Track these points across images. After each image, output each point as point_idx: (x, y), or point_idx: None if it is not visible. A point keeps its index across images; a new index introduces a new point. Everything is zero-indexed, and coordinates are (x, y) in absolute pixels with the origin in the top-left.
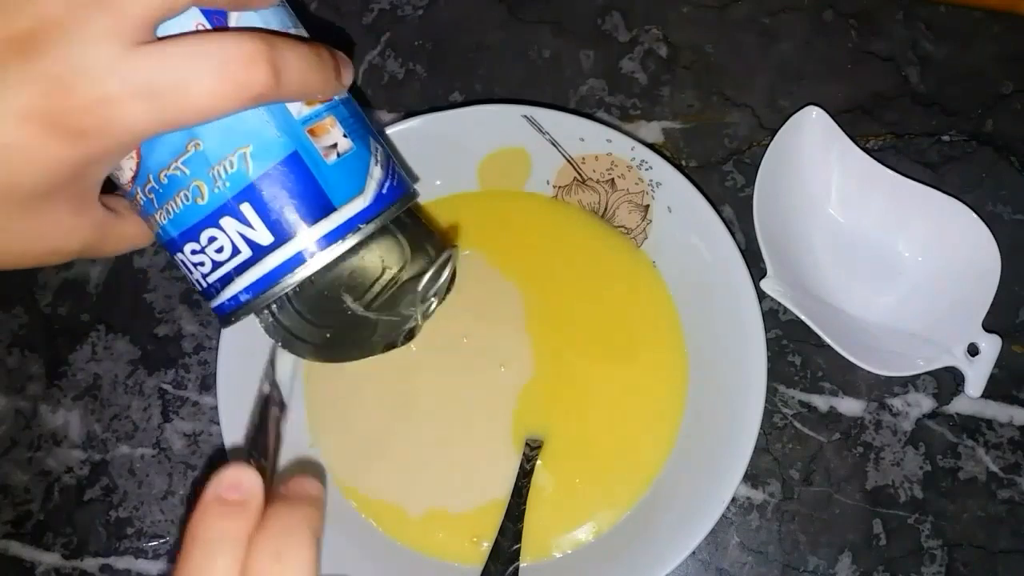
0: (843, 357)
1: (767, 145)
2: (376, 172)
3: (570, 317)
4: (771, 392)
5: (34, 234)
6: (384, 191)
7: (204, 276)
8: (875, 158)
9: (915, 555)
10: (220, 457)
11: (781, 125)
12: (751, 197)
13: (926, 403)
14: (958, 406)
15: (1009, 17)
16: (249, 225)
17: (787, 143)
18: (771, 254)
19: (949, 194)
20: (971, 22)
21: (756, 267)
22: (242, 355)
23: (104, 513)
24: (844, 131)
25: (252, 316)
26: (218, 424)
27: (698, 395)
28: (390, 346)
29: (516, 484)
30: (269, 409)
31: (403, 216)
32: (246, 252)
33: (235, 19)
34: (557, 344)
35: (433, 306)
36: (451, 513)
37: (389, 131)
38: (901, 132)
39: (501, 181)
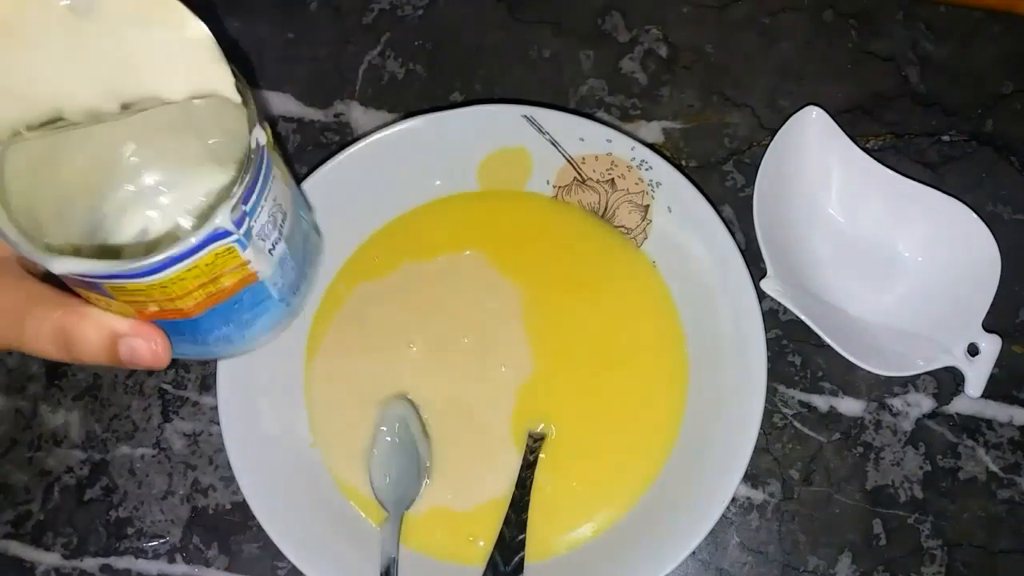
0: (843, 357)
1: (767, 145)
2: None
3: (570, 317)
4: (771, 392)
5: None
6: None
7: None
8: (875, 158)
9: (915, 555)
10: (220, 457)
11: (781, 125)
12: (751, 197)
13: (926, 403)
14: (958, 406)
15: (1009, 17)
16: None
17: (787, 143)
18: (771, 254)
19: (949, 194)
20: (971, 22)
21: (756, 267)
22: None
23: (104, 513)
24: (844, 131)
25: None
26: (218, 424)
27: (698, 395)
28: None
29: (520, 475)
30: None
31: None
32: None
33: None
34: (557, 344)
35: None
36: (452, 511)
37: (389, 131)
38: (901, 132)
39: (501, 181)
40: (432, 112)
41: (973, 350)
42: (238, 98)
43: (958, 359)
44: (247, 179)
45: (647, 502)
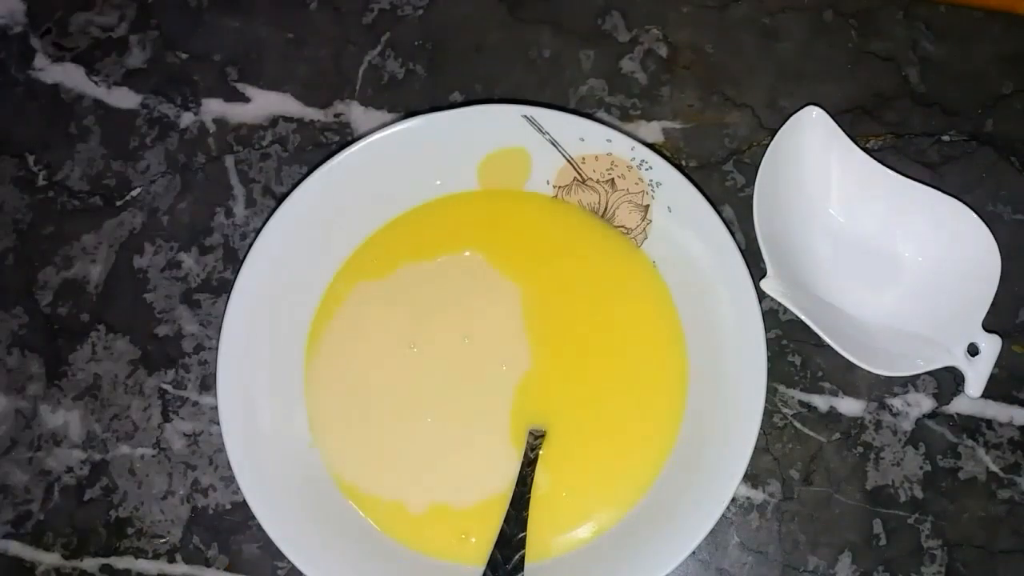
0: (843, 357)
1: (767, 145)
2: None
3: (570, 317)
4: (771, 392)
5: None
6: None
7: None
8: (875, 158)
9: (915, 555)
10: (220, 457)
11: (781, 125)
12: (751, 197)
13: (926, 403)
14: (958, 406)
15: (1009, 17)
16: None
17: (787, 143)
18: (771, 254)
19: (949, 194)
20: (971, 22)
21: (756, 267)
22: (242, 355)
23: (104, 513)
24: (844, 131)
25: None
26: (218, 424)
27: (698, 395)
28: None
29: (520, 473)
30: None
31: None
32: None
33: None
34: (557, 344)
35: None
36: (453, 509)
37: (389, 131)
38: (901, 132)
39: (501, 181)
40: (432, 112)
41: (973, 350)
42: None
43: (958, 359)
44: None
45: (647, 502)
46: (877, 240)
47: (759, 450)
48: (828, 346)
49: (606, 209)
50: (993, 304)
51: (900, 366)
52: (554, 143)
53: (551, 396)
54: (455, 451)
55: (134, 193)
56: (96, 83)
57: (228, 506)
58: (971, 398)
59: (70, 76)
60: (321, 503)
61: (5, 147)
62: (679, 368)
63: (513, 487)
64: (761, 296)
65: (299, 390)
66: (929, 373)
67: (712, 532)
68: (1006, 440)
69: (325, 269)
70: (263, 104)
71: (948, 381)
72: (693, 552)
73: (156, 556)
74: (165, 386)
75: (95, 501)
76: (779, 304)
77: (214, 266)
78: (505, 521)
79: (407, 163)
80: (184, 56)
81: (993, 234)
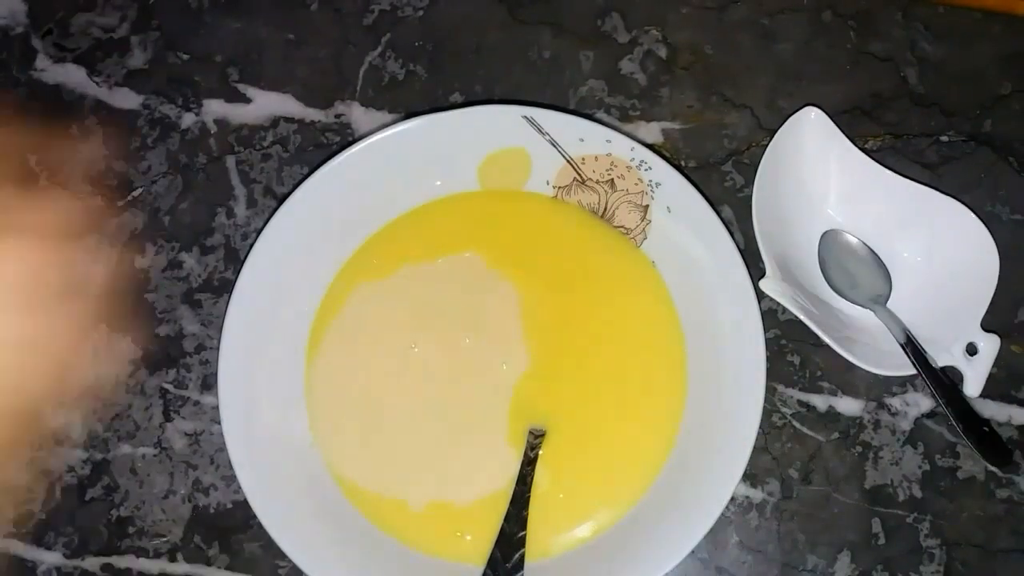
0: (842, 357)
1: (766, 145)
2: None
3: (570, 317)
4: (770, 392)
5: None
6: None
7: None
8: (874, 158)
9: (914, 554)
10: (221, 456)
11: (780, 126)
12: (750, 197)
13: (925, 403)
14: None
15: (1008, 17)
16: None
17: (786, 144)
18: (770, 254)
19: (948, 194)
20: (970, 23)
21: (755, 267)
22: (243, 355)
23: (105, 512)
24: (843, 131)
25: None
26: (219, 424)
27: (697, 395)
28: None
29: (520, 472)
30: None
31: None
32: None
33: None
34: (557, 344)
35: None
36: (452, 507)
37: (389, 132)
38: (900, 132)
39: (501, 181)
40: (432, 113)
41: (972, 350)
42: None
43: (957, 359)
44: None
45: (647, 501)
46: (876, 240)
47: (758, 449)
48: (827, 346)
49: (606, 209)
50: (991, 304)
51: (899, 366)
52: (554, 143)
53: (551, 395)
54: (455, 449)
55: (136, 193)
56: (97, 84)
57: (229, 505)
58: (970, 398)
59: (71, 77)
60: (322, 502)
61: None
62: (678, 368)
63: (512, 485)
64: (760, 296)
65: (300, 390)
66: None
67: (711, 531)
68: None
69: (326, 269)
70: (264, 105)
71: None
72: (692, 551)
73: (157, 555)
74: (166, 386)
75: (96, 500)
76: (778, 304)
77: (215, 266)
78: (505, 520)
79: (407, 163)
80: (185, 57)
81: (991, 234)
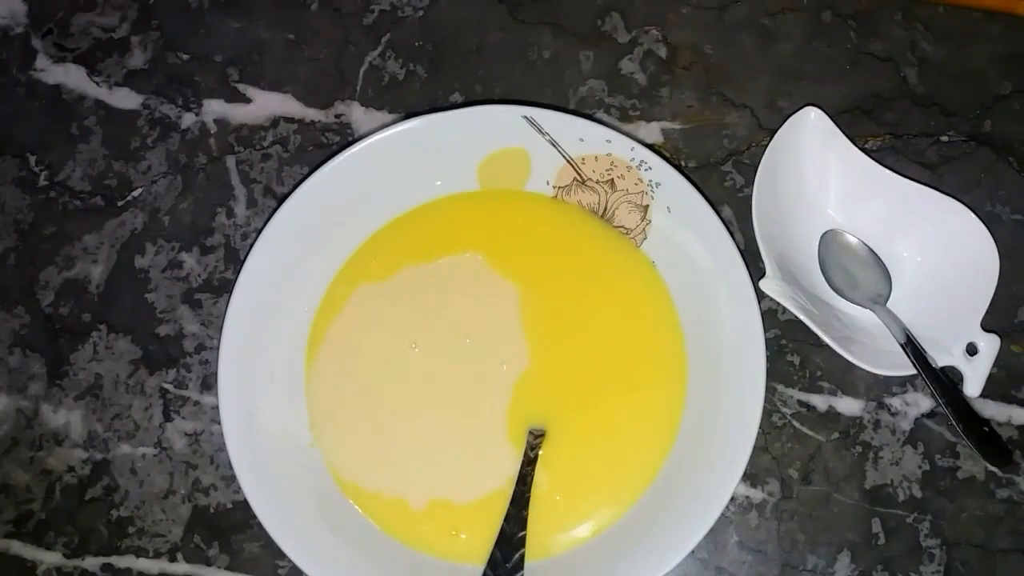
0: (842, 357)
1: (766, 145)
2: None
3: (570, 317)
4: (770, 392)
5: None
6: None
7: None
8: (874, 158)
9: (914, 554)
10: (221, 456)
11: (780, 126)
12: (750, 197)
13: (925, 402)
14: None
15: (1008, 18)
16: None
17: (786, 144)
18: (770, 254)
19: (948, 194)
20: (970, 23)
21: (755, 267)
22: (243, 355)
23: (105, 512)
24: (843, 131)
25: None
26: (219, 423)
27: (697, 395)
28: None
29: (520, 472)
30: None
31: None
32: None
33: None
34: (557, 343)
35: None
36: (451, 506)
37: (389, 132)
38: (900, 132)
39: (501, 181)
40: (432, 113)
41: (972, 349)
42: None
43: (957, 358)
44: None
45: (647, 501)
46: (876, 240)
47: (758, 449)
48: (827, 346)
49: (606, 209)
50: (992, 304)
51: (899, 366)
52: (554, 143)
53: (551, 395)
54: (455, 450)
55: (135, 193)
56: (97, 84)
57: (229, 505)
58: (970, 398)
59: (71, 77)
60: (322, 502)
61: (7, 147)
62: (678, 367)
63: (512, 485)
64: (760, 296)
65: (300, 389)
66: None
67: (711, 531)
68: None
69: (326, 269)
70: (264, 105)
71: None
72: (692, 551)
73: (157, 555)
74: (166, 386)
75: (96, 500)
76: (778, 304)
77: (215, 266)
78: (505, 520)
79: (407, 164)
80: (185, 57)
81: (991, 234)
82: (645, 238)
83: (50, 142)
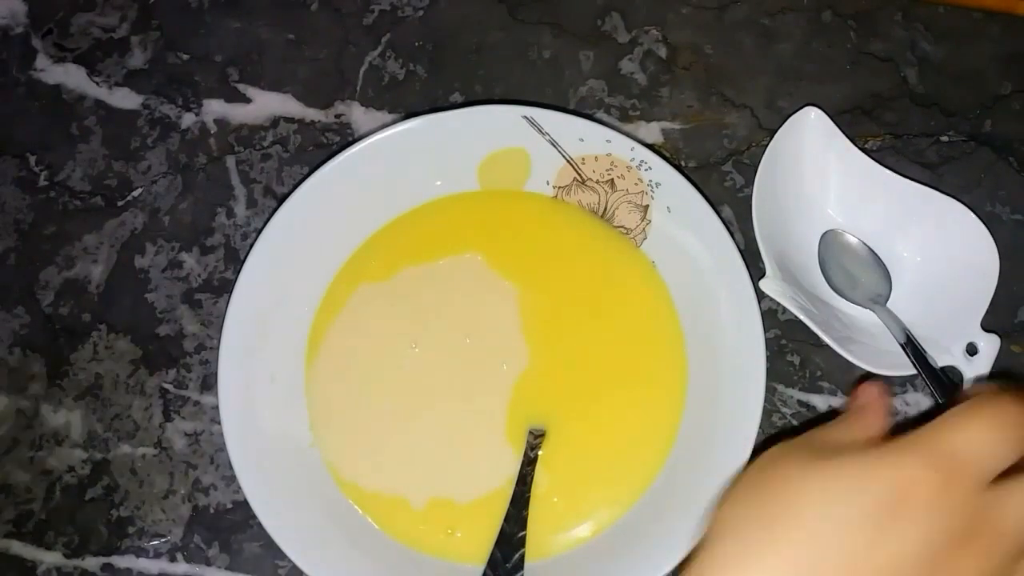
0: (842, 357)
1: (766, 145)
2: None
3: (570, 317)
4: (770, 392)
5: None
6: None
7: None
8: (874, 158)
9: None
10: (221, 456)
11: (780, 126)
12: (750, 197)
13: (925, 403)
14: None
15: (1008, 18)
16: None
17: (786, 144)
18: (770, 254)
19: (948, 194)
20: (970, 23)
21: (755, 267)
22: (243, 355)
23: (105, 512)
24: (843, 131)
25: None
26: (219, 423)
27: (697, 395)
28: None
29: (520, 472)
30: None
31: None
32: None
33: None
34: (557, 343)
35: None
36: (451, 505)
37: (389, 132)
38: (900, 132)
39: (501, 181)
40: (432, 113)
41: (972, 350)
42: None
43: (957, 358)
44: None
45: (646, 502)
46: (876, 240)
47: (758, 449)
48: (827, 346)
49: (606, 209)
50: (992, 304)
51: (899, 366)
52: (554, 143)
53: (551, 395)
54: (454, 449)
55: (135, 193)
56: (97, 84)
57: (229, 505)
58: None
59: (71, 77)
60: (322, 502)
61: (7, 147)
62: (678, 368)
63: (511, 485)
64: (760, 296)
65: (300, 389)
66: None
67: None
68: None
69: (326, 269)
70: (264, 105)
71: None
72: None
73: (157, 555)
74: (166, 386)
75: (96, 500)
76: (778, 304)
77: (215, 266)
78: (505, 520)
79: (407, 164)
80: (185, 57)
81: (992, 234)
82: (645, 238)
83: (50, 142)
